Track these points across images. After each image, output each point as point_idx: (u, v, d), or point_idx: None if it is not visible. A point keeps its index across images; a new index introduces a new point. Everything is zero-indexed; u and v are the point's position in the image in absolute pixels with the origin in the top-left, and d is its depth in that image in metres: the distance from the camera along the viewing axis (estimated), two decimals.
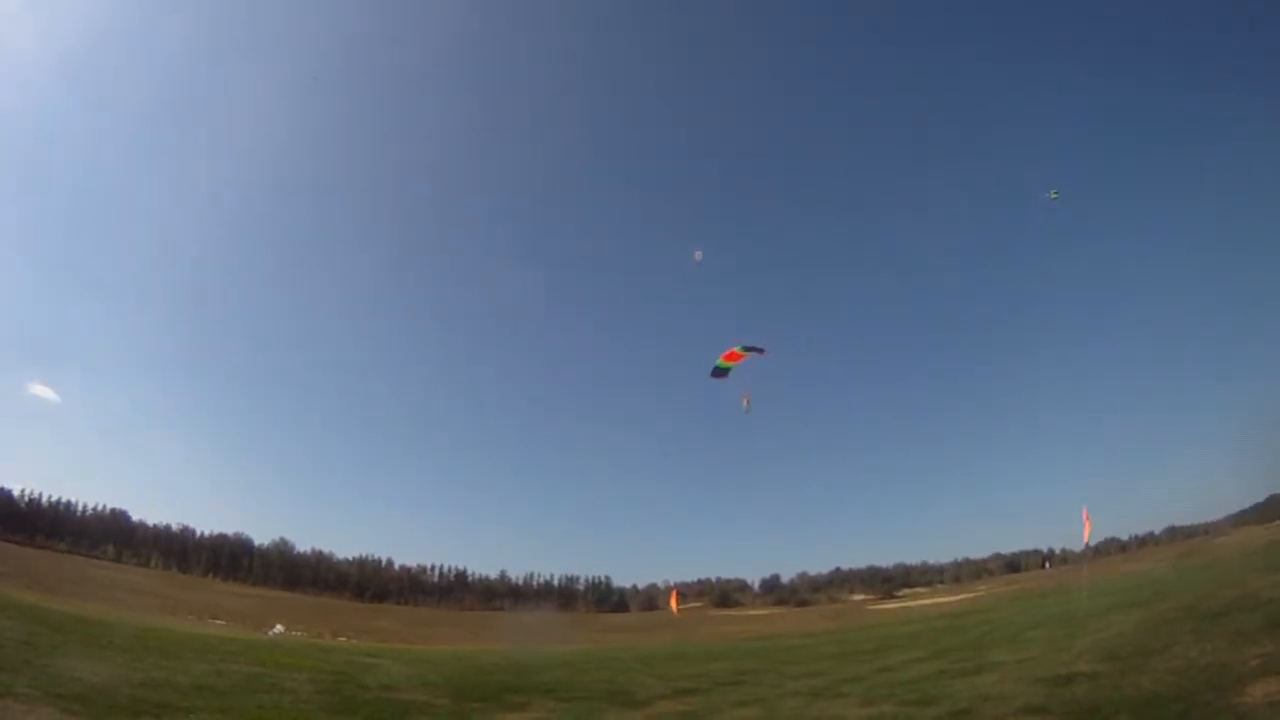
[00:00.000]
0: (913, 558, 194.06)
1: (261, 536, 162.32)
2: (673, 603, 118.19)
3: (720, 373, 32.50)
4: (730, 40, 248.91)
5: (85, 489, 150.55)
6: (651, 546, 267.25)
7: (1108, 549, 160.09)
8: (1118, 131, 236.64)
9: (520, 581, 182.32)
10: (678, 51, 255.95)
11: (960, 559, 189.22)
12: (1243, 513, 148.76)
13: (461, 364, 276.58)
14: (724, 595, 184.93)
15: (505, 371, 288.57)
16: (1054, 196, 58.26)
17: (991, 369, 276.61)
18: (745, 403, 34.34)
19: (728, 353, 32.15)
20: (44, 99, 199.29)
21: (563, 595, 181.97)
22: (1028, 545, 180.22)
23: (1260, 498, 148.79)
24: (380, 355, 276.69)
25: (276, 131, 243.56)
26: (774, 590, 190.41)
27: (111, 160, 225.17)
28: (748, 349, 32.22)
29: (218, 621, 74.37)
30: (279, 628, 73.82)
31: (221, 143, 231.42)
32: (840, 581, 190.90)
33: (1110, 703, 12.86)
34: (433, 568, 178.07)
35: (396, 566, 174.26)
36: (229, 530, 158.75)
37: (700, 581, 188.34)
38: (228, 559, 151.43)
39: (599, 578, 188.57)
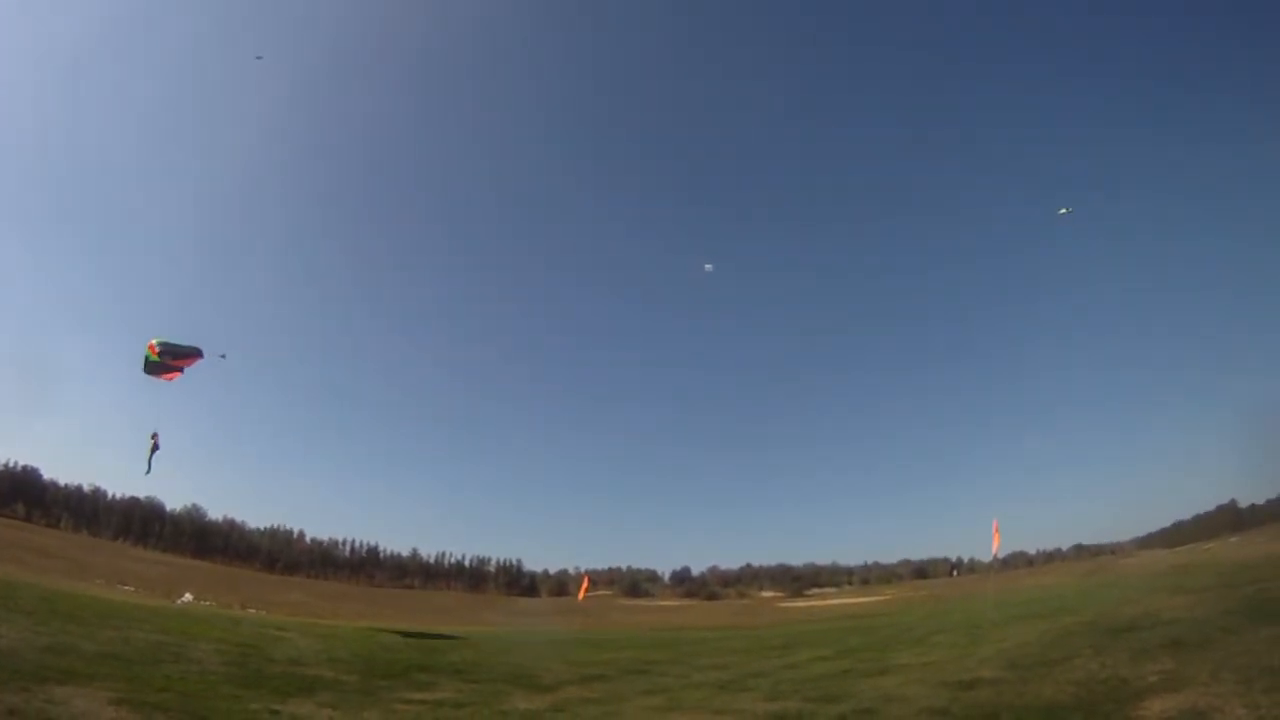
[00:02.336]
0: (823, 558, 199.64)
1: (173, 502, 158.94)
2: (582, 589, 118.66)
3: (154, 368, 25.85)
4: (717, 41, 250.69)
5: None
6: (565, 532, 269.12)
7: (1015, 562, 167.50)
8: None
9: (432, 560, 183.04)
10: (663, 52, 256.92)
11: (870, 562, 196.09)
12: (1149, 536, 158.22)
13: (380, 338, 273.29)
14: (634, 585, 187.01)
15: (425, 349, 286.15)
16: (1066, 212, 58.42)
17: (912, 380, 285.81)
18: (150, 448, 27.01)
19: (150, 343, 25.85)
20: None
21: (473, 576, 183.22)
22: (937, 553, 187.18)
23: (1166, 523, 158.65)
24: (299, 323, 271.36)
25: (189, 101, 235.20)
26: (684, 582, 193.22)
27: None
28: (171, 349, 25.66)
29: (126, 587, 73.36)
30: (188, 596, 73.01)
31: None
32: (750, 578, 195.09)
33: (1011, 709, 13.17)
34: (344, 542, 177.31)
35: (308, 539, 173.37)
36: (140, 494, 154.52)
37: (611, 570, 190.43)
38: (139, 523, 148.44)
39: (510, 560, 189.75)
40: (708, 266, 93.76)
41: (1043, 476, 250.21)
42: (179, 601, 65.56)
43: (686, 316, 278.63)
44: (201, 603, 69.03)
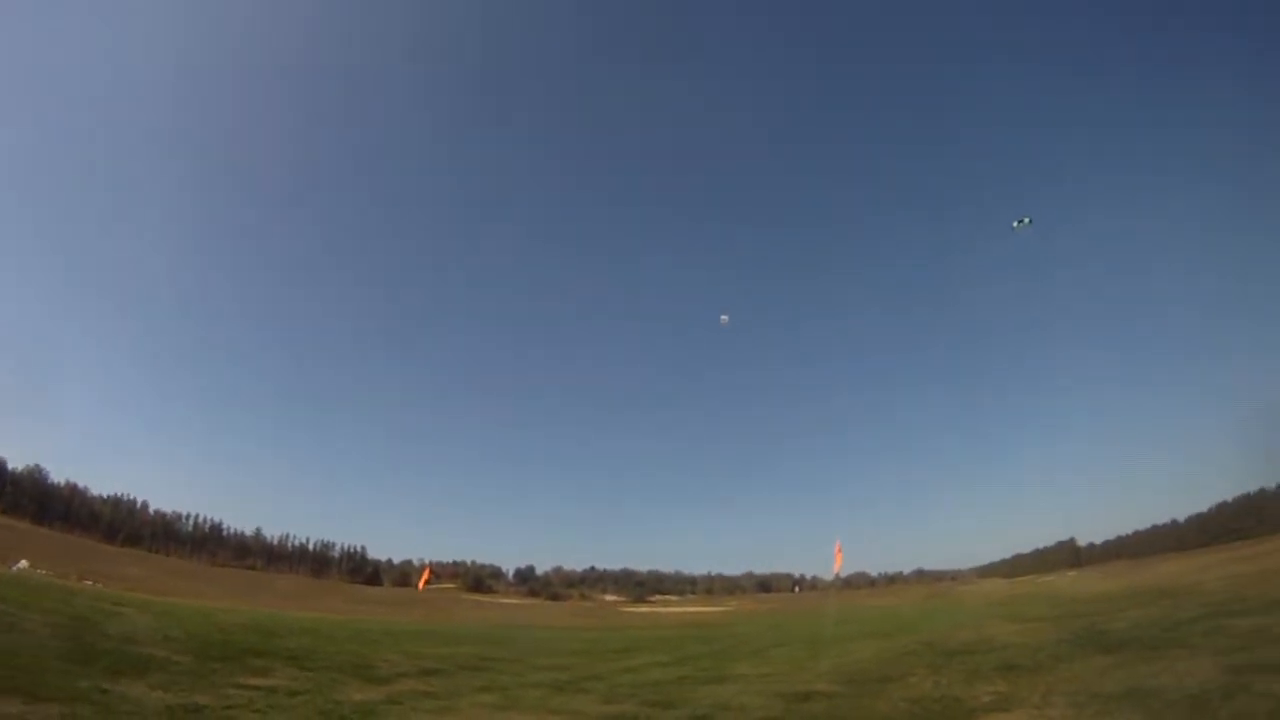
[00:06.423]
0: (667, 566, 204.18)
1: (15, 460, 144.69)
2: (422, 580, 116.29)
3: None
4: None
5: None
6: (410, 522, 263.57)
7: (857, 582, 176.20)
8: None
9: (275, 541, 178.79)
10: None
11: (714, 573, 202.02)
12: (989, 566, 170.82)
13: (239, 311, 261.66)
14: (478, 580, 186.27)
15: (280, 325, 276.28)
16: (1021, 225, 56.14)
17: (766, 397, 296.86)
18: None
19: None
20: None
21: (317, 560, 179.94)
22: (781, 568, 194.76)
23: (1007, 554, 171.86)
24: (155, 291, 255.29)
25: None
26: (527, 581, 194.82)
27: None
28: None
29: None
30: (23, 563, 70.03)
31: None
32: (594, 580, 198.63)
33: None
34: (188, 516, 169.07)
35: (151, 510, 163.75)
36: None
37: (455, 563, 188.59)
38: None
39: (355, 547, 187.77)
40: (723, 318, 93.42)
41: (890, 501, 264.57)
42: (14, 568, 62.86)
43: (545, 304, 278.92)
44: (37, 571, 66.04)
